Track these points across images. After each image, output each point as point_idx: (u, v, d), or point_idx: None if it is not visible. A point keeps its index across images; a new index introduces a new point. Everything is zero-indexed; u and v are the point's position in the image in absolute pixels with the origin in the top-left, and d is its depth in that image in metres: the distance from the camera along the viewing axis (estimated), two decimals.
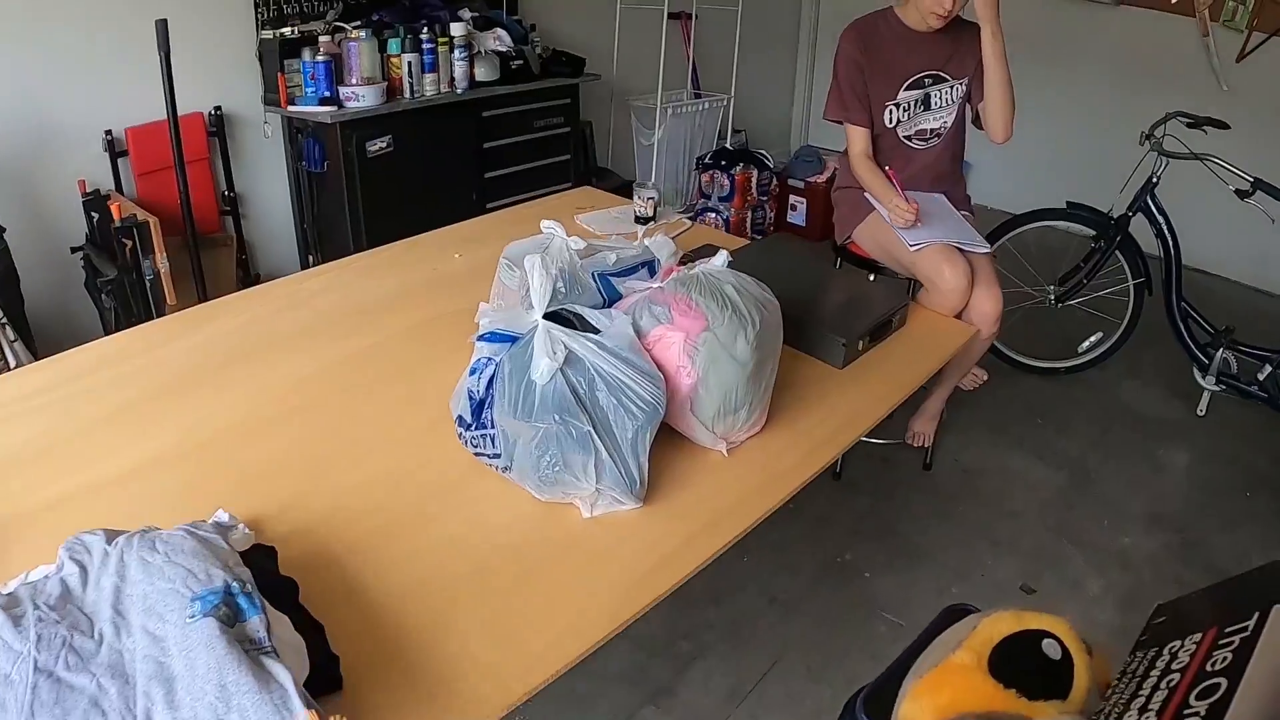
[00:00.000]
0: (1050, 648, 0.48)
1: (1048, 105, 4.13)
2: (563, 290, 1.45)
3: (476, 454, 1.32)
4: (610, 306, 1.45)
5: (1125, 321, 2.96)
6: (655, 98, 4.02)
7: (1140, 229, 2.83)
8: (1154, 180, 2.76)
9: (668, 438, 1.36)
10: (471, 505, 1.28)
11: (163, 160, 2.63)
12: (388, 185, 3.11)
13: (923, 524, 2.38)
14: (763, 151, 4.34)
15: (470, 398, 1.29)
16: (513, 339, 1.26)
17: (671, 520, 1.26)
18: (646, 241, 1.58)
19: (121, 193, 2.76)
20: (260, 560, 1.06)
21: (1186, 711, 0.39)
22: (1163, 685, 0.42)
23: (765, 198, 4.34)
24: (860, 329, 1.72)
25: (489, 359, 1.27)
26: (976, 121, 2.33)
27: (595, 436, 1.20)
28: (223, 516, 1.09)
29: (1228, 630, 0.42)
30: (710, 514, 1.28)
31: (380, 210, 3.09)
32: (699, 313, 1.30)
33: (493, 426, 1.27)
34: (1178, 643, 0.45)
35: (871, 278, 2.42)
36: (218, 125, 2.93)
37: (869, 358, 1.75)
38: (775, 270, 2.00)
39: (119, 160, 2.74)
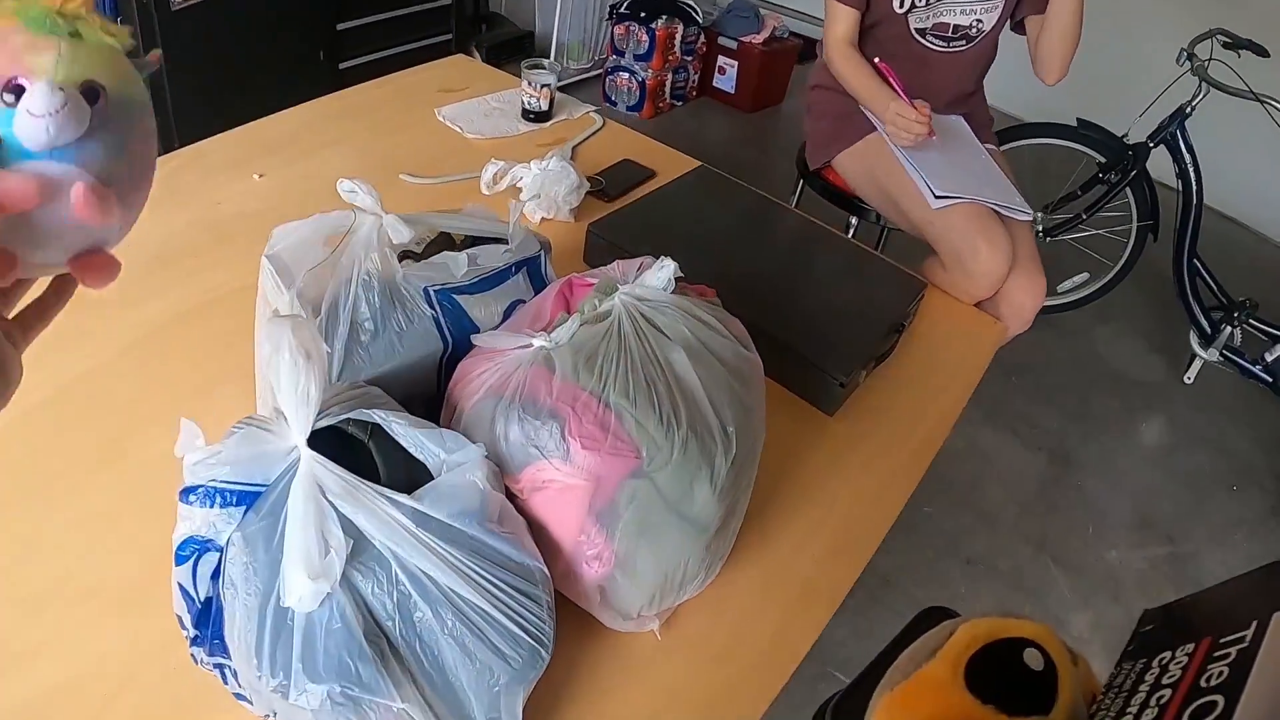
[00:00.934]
0: (1032, 658, 0.41)
1: None
2: (369, 327, 0.81)
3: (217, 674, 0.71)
4: (453, 362, 0.81)
5: (1118, 266, 2.47)
6: None
7: (1157, 162, 2.28)
8: (1188, 110, 2.17)
9: (560, 604, 0.78)
10: None
11: None
12: (203, 48, 2.36)
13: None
14: (689, 2, 3.56)
15: (187, 596, 0.65)
16: (250, 497, 0.62)
17: None
18: (526, 224, 0.92)
19: None
20: None
21: None
22: (1152, 703, 0.37)
23: (690, 57, 3.69)
24: (862, 352, 1.12)
25: (204, 542, 0.62)
26: (1018, 27, 1.65)
27: (418, 714, 0.60)
28: None
29: (1223, 641, 0.36)
30: None
31: (195, 82, 2.36)
32: (622, 437, 0.67)
33: (229, 654, 0.65)
34: (1168, 654, 0.39)
35: (853, 223, 1.81)
36: None
37: (868, 388, 1.17)
38: (716, 224, 1.34)
39: None
